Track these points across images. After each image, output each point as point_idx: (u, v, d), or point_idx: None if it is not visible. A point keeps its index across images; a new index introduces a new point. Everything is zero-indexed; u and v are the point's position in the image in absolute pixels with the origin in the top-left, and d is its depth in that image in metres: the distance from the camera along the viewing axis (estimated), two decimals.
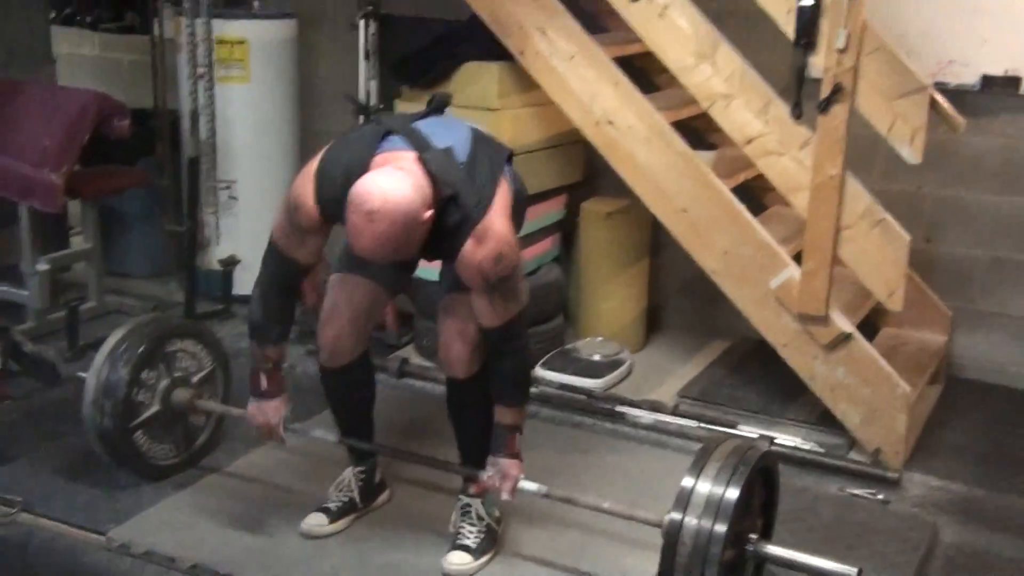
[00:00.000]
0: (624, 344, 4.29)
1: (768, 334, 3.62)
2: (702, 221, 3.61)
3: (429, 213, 2.47)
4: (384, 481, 3.19)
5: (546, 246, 4.32)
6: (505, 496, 2.80)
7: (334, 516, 3.03)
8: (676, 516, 2.42)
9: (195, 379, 3.29)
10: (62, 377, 3.84)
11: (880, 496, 3.33)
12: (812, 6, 3.23)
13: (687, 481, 2.46)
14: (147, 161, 4.98)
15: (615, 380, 4.08)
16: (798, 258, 3.50)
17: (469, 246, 2.54)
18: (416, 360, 4.18)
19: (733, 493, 2.40)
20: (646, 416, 3.78)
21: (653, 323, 4.61)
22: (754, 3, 3.41)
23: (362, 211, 2.39)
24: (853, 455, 3.56)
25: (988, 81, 3.96)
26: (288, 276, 2.81)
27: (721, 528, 2.37)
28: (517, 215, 2.81)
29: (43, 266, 4.31)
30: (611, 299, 4.35)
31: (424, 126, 2.67)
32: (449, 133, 2.67)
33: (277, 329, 2.87)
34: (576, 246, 4.45)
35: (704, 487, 2.43)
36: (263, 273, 2.85)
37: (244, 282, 4.73)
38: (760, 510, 2.65)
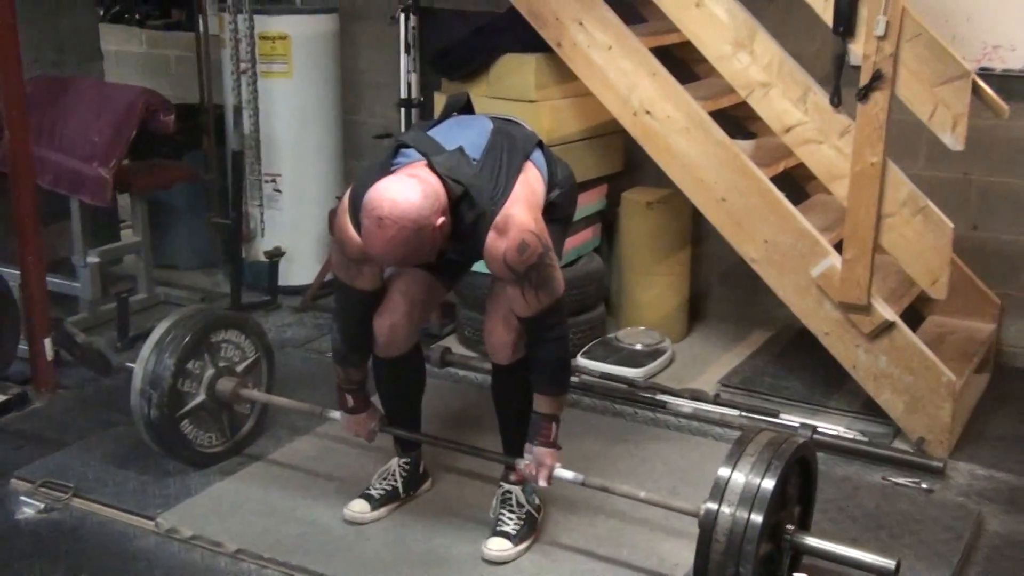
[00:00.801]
0: (665, 333, 4.29)
1: (810, 323, 3.60)
2: (742, 210, 3.60)
3: (442, 219, 2.51)
4: (428, 471, 3.23)
5: (587, 236, 4.33)
6: (542, 483, 2.82)
7: (376, 504, 3.08)
8: (712, 506, 2.42)
9: (239, 368, 3.35)
10: (113, 367, 3.93)
11: (924, 485, 3.30)
12: None
13: (723, 471, 2.46)
14: (193, 155, 5.06)
15: (656, 369, 4.08)
16: (839, 247, 3.48)
17: (491, 238, 2.57)
18: (458, 349, 4.22)
19: (769, 484, 2.40)
20: (687, 405, 3.78)
21: (694, 312, 4.60)
22: None
23: (372, 217, 2.45)
24: (897, 444, 3.54)
25: None
26: (358, 306, 2.90)
27: (757, 519, 2.37)
28: (564, 199, 2.85)
29: (94, 259, 4.40)
30: (652, 288, 4.35)
31: (439, 132, 2.73)
32: (465, 133, 2.72)
33: (357, 356, 2.98)
34: (617, 236, 4.46)
35: (740, 477, 2.43)
36: (336, 306, 2.98)
37: (289, 273, 4.82)
38: (798, 501, 2.64)
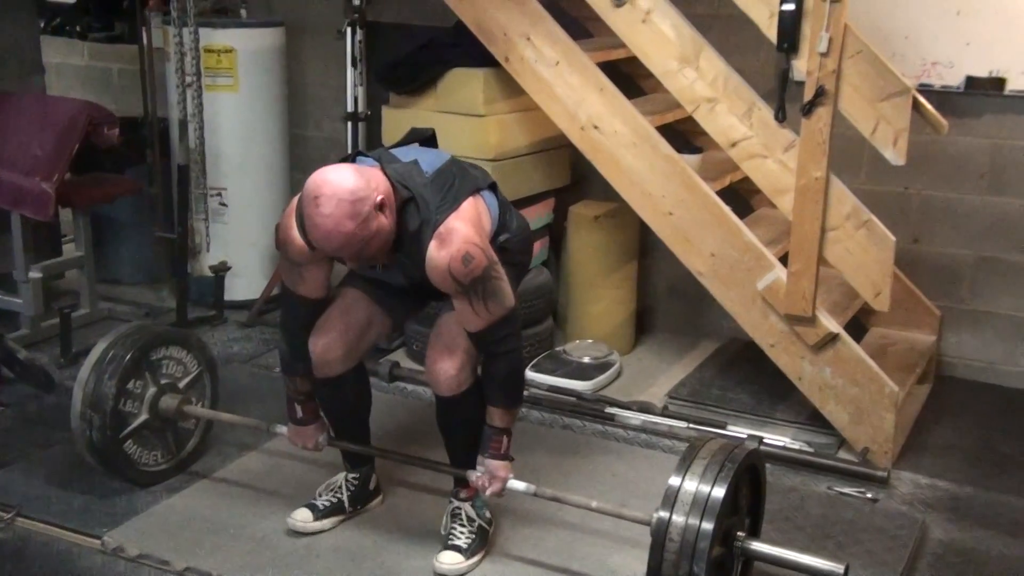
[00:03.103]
0: (613, 346, 4.31)
1: (756, 335, 3.64)
2: (688, 224, 3.64)
3: (381, 199, 2.51)
4: (379, 487, 3.22)
5: (535, 250, 4.33)
6: (493, 495, 2.83)
7: (320, 514, 3.06)
8: (664, 515, 2.44)
9: (182, 384, 3.31)
10: (56, 383, 3.86)
11: (869, 495, 3.35)
12: (794, 10, 3.26)
13: (674, 480, 2.48)
14: (137, 169, 5.01)
15: (605, 382, 4.10)
16: (785, 260, 3.53)
17: (433, 248, 2.58)
18: (407, 364, 4.20)
19: (720, 491, 2.43)
20: (635, 417, 3.81)
21: (642, 325, 4.64)
22: (737, 8, 3.44)
23: (310, 199, 2.48)
24: (842, 454, 3.59)
25: (972, 82, 3.98)
26: (301, 313, 2.90)
27: (708, 526, 2.39)
28: (516, 246, 2.88)
29: (36, 274, 4.32)
30: (600, 302, 4.38)
31: (399, 151, 2.78)
32: (423, 155, 2.76)
33: (302, 365, 2.95)
34: (565, 250, 4.48)
35: (691, 485, 2.45)
36: (282, 314, 3.00)
37: (235, 288, 4.77)
38: (748, 508, 2.67)
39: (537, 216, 4.30)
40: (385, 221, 2.54)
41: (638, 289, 4.51)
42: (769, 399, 3.89)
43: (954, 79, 4.01)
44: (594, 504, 2.78)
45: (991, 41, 3.92)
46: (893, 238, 3.41)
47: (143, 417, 3.21)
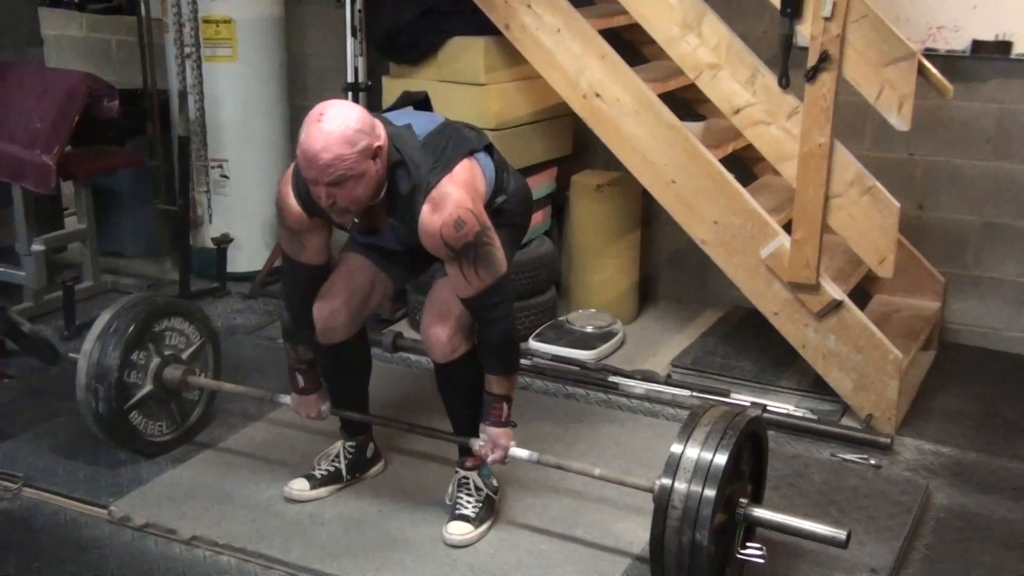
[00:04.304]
0: (616, 315, 4.31)
1: (759, 303, 3.64)
2: (691, 192, 3.63)
3: (379, 145, 2.51)
4: (378, 454, 3.22)
5: (537, 219, 4.33)
6: (495, 461, 2.84)
7: (317, 483, 3.08)
8: (666, 482, 2.44)
9: (185, 355, 3.31)
10: (60, 356, 3.86)
11: (872, 461, 3.36)
12: None
13: (676, 447, 2.48)
14: (138, 141, 4.99)
15: (608, 351, 4.10)
16: (788, 227, 3.51)
17: (425, 212, 2.57)
18: (410, 334, 4.20)
19: (722, 458, 2.43)
20: (639, 386, 3.81)
21: (645, 294, 4.63)
22: None
23: (314, 115, 2.48)
24: (846, 421, 3.59)
25: (978, 46, 3.95)
26: (303, 279, 2.89)
27: (711, 492, 2.39)
28: (514, 207, 2.85)
29: (38, 247, 4.32)
30: (603, 271, 4.37)
31: (391, 115, 2.75)
32: (416, 118, 2.74)
33: (305, 333, 2.95)
34: (567, 219, 4.46)
35: (693, 452, 2.46)
36: (283, 282, 2.99)
37: (237, 260, 4.77)
38: (750, 475, 2.68)
39: (539, 185, 4.29)
40: (374, 170, 2.52)
41: (641, 258, 4.50)
42: (773, 367, 3.89)
43: (960, 43, 3.98)
44: (597, 471, 2.78)
45: (998, 4, 3.89)
46: (897, 204, 3.40)
47: (147, 388, 3.21)
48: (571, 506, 3.06)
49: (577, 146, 4.51)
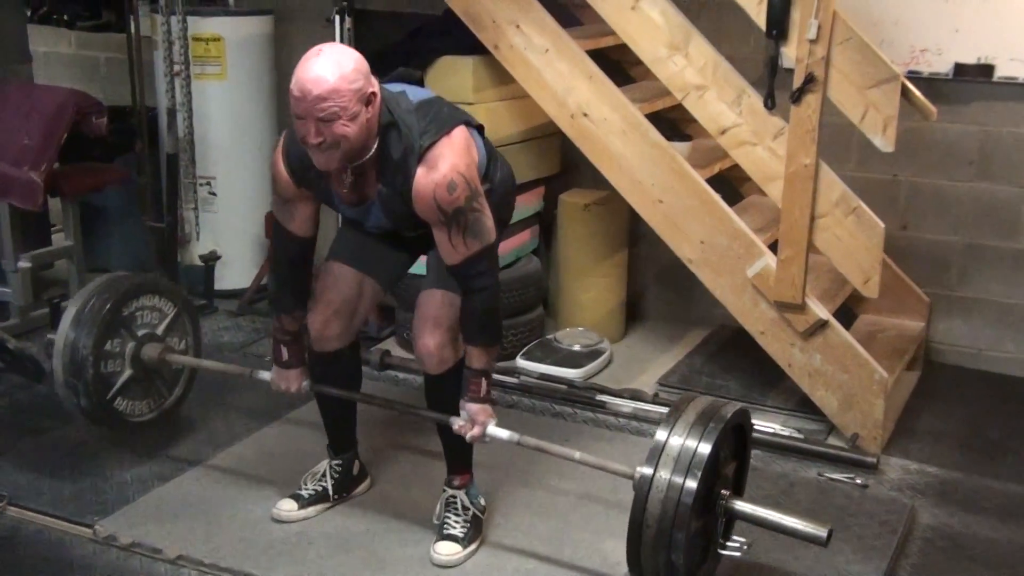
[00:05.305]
0: (604, 334, 4.32)
1: (746, 322, 3.65)
2: (678, 211, 3.65)
3: (372, 92, 2.50)
4: (364, 472, 3.22)
5: (525, 238, 4.35)
6: (472, 439, 2.81)
7: (304, 503, 3.07)
8: (647, 471, 2.41)
9: (160, 330, 3.30)
10: (45, 373, 3.84)
11: (858, 480, 3.37)
12: None
13: (660, 435, 2.45)
14: (126, 158, 4.99)
15: (595, 370, 4.11)
16: (774, 247, 3.53)
17: (420, 174, 2.57)
18: (397, 352, 4.21)
19: (705, 448, 2.40)
20: (626, 405, 3.81)
21: (632, 313, 4.65)
22: None
23: (311, 52, 2.49)
24: (832, 440, 3.60)
25: (961, 69, 4.00)
26: (291, 249, 2.88)
27: (692, 484, 2.36)
28: (499, 200, 2.84)
29: (25, 264, 4.31)
30: (590, 289, 4.39)
31: (387, 85, 2.72)
32: (410, 89, 2.73)
33: (290, 300, 2.94)
34: (555, 237, 4.48)
35: (676, 441, 2.42)
36: (272, 248, 2.97)
37: (225, 277, 4.77)
38: (732, 468, 2.64)
39: (527, 205, 4.30)
40: (365, 117, 2.50)
41: (628, 277, 4.52)
42: (759, 386, 3.90)
43: (943, 66, 4.02)
44: (577, 455, 2.75)
45: (979, 28, 3.93)
46: (882, 225, 3.42)
47: (127, 373, 3.21)
48: (558, 526, 3.05)
49: (565, 165, 4.53)
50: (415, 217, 2.66)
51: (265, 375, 3.10)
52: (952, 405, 3.97)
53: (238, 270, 4.81)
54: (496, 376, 3.74)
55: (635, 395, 3.86)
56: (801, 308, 3.50)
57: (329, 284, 2.95)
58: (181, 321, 3.38)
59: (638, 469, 2.45)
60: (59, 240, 4.74)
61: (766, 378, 3.88)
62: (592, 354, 4.16)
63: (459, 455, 2.96)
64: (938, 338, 4.31)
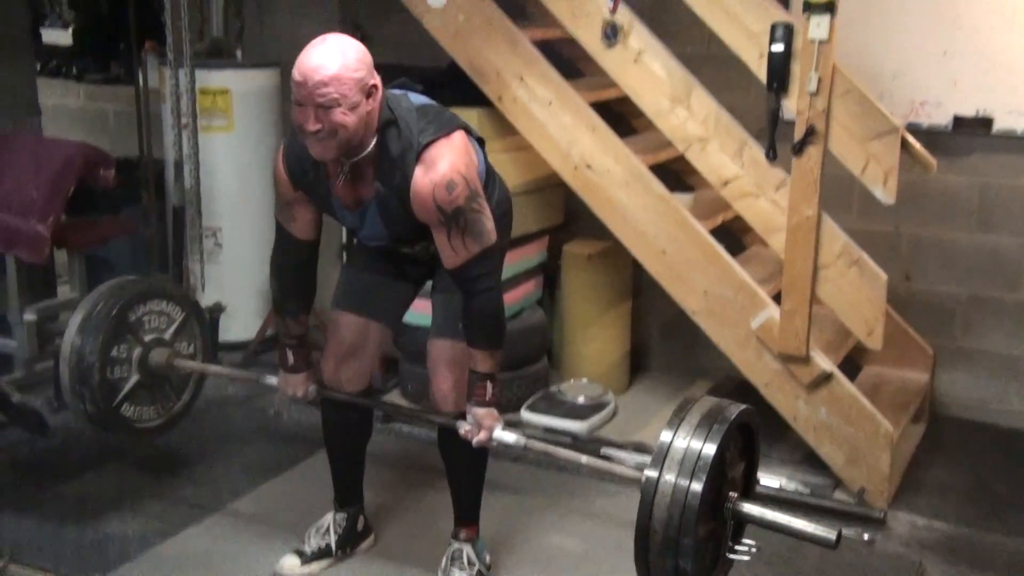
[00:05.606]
0: (608, 386, 4.30)
1: (750, 374, 3.64)
2: (681, 263, 3.65)
3: (374, 83, 2.51)
4: (369, 527, 3.20)
5: (529, 289, 4.35)
6: (479, 444, 2.77)
7: (308, 559, 3.05)
8: (652, 474, 2.33)
9: (168, 335, 3.28)
10: (49, 427, 3.84)
11: (866, 536, 3.33)
12: (783, 51, 3.29)
13: (665, 436, 2.38)
14: (133, 209, 5.02)
15: (600, 422, 4.09)
16: (778, 298, 3.53)
17: (418, 173, 2.56)
18: (402, 404, 4.19)
19: (710, 449, 2.33)
20: (631, 458, 3.79)
21: (636, 364, 4.64)
22: (727, 48, 3.47)
23: (315, 40, 2.49)
24: (838, 495, 3.57)
25: (960, 122, 4.02)
26: (292, 251, 2.88)
27: (698, 485, 2.29)
28: (501, 220, 2.82)
29: (30, 316, 4.30)
30: (594, 341, 4.38)
31: (389, 90, 2.74)
32: (412, 95, 2.73)
33: (293, 303, 2.94)
34: (559, 288, 4.48)
35: (681, 443, 2.35)
36: (274, 250, 2.96)
37: (230, 329, 4.77)
38: (742, 471, 2.56)
39: (530, 255, 4.31)
40: (364, 109, 2.50)
41: (632, 328, 4.51)
42: (764, 439, 3.79)
43: (942, 118, 4.04)
44: (584, 459, 2.72)
45: (977, 81, 3.96)
46: (885, 276, 3.42)
47: (135, 378, 3.19)
48: None
49: (568, 216, 4.55)
50: (412, 221, 2.64)
51: (272, 380, 3.09)
52: (959, 459, 3.94)
53: (243, 322, 4.82)
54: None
55: (640, 448, 3.84)
56: (805, 360, 3.49)
57: (335, 333, 2.96)
58: (190, 325, 3.35)
59: (644, 472, 2.37)
60: (64, 292, 4.75)
61: (771, 431, 3.84)
62: (596, 406, 4.14)
63: (467, 506, 2.95)
64: (943, 390, 4.29)
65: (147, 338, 3.22)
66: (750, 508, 2.46)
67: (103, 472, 3.62)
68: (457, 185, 2.55)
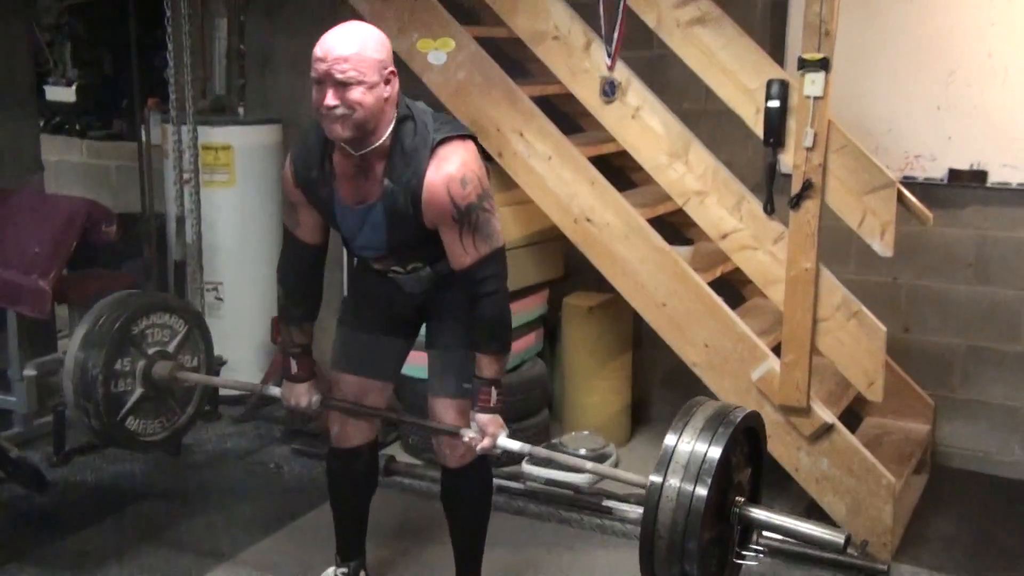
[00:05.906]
0: (609, 438, 4.30)
1: None
2: (681, 315, 3.67)
3: (391, 71, 2.54)
4: None
5: (529, 341, 4.36)
6: (483, 451, 2.75)
7: None
8: (656, 478, 2.30)
9: (172, 347, 3.26)
10: (47, 483, 3.82)
11: None
12: (779, 107, 3.34)
13: (669, 439, 2.35)
14: (134, 264, 5.04)
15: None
16: (778, 350, 3.55)
17: (432, 169, 2.56)
18: (403, 458, 4.18)
19: (715, 452, 2.29)
20: (633, 510, 3.77)
21: (637, 416, 4.63)
22: (724, 103, 3.52)
23: (340, 24, 2.53)
24: None
25: (955, 175, 4.06)
26: (298, 256, 2.89)
27: (703, 490, 2.26)
28: None
29: (30, 371, 4.30)
30: (595, 393, 4.38)
31: None
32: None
33: (298, 311, 2.94)
34: (559, 341, 4.49)
35: (685, 447, 2.32)
36: (281, 255, 2.95)
37: None
38: (748, 475, 2.53)
39: (531, 308, 4.33)
40: (382, 94, 2.53)
41: (633, 380, 4.52)
42: (766, 491, 3.77)
43: (937, 171, 4.08)
44: (589, 465, 2.71)
45: (972, 135, 4.00)
46: (884, 328, 3.44)
47: (139, 392, 3.16)
48: None
49: (568, 269, 4.57)
50: (416, 224, 2.63)
51: (275, 390, 3.08)
52: (962, 510, 3.92)
53: (244, 376, 4.79)
54: (501, 482, 3.73)
55: (642, 501, 3.82)
56: (806, 412, 3.49)
57: (337, 393, 2.97)
58: (193, 338, 3.34)
59: (649, 478, 2.34)
60: (65, 346, 4.74)
61: (774, 482, 3.81)
62: (598, 458, 4.12)
63: (469, 560, 2.93)
64: (944, 441, 4.28)
65: (150, 351, 3.21)
66: (756, 512, 2.42)
67: (102, 527, 3.60)
68: (470, 182, 2.58)
